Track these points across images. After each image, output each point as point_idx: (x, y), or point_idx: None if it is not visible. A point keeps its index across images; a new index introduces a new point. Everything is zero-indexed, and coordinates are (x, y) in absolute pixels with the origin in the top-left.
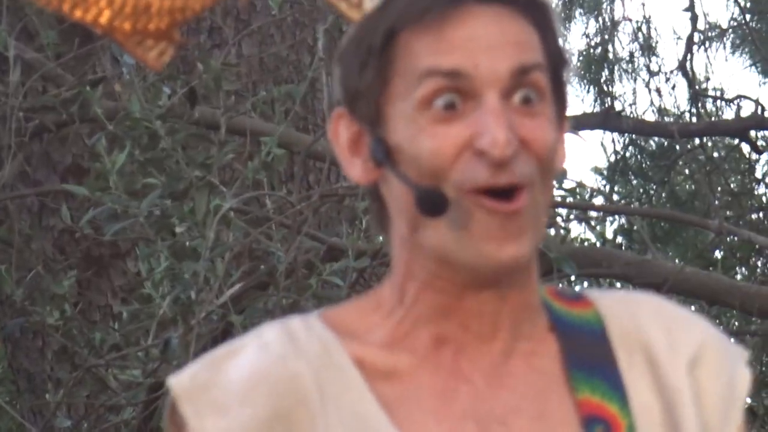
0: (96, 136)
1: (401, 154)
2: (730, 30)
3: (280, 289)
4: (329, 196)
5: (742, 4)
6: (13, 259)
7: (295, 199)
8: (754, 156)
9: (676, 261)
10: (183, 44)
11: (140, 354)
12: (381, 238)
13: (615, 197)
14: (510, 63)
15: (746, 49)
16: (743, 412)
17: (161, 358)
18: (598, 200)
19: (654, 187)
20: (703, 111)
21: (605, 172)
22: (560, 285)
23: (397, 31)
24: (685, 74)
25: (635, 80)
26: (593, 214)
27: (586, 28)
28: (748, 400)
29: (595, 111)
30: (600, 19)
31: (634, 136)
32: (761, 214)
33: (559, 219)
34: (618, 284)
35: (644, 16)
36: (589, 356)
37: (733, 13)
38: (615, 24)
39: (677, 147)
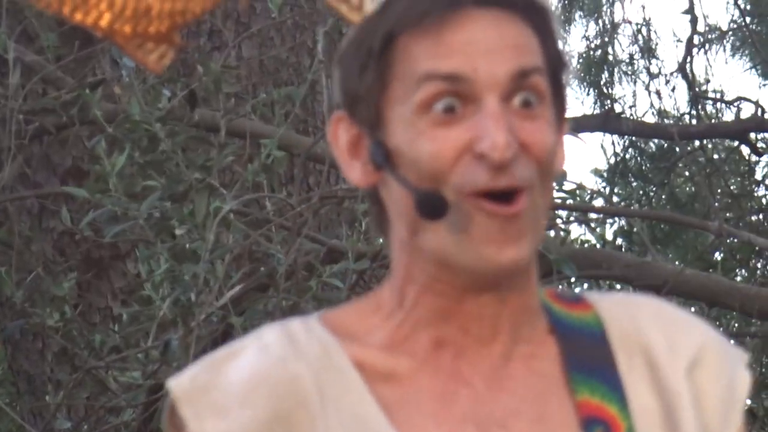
0: (96, 138)
1: (401, 157)
2: (730, 32)
3: (280, 291)
4: (329, 198)
5: (742, 6)
6: (13, 260)
7: (295, 201)
8: (754, 158)
9: (676, 263)
10: (183, 47)
11: (140, 356)
12: (381, 240)
13: (615, 199)
14: (509, 66)
15: (746, 52)
16: (743, 414)
17: (161, 360)
18: (598, 202)
19: (654, 189)
20: (703, 113)
21: (605, 174)
22: (560, 287)
23: (396, 34)
24: (685, 76)
25: (635, 82)
26: (593, 215)
27: (586, 30)
28: (748, 402)
29: (595, 113)
30: (600, 21)
31: (634, 138)
32: (761, 216)
33: (559, 221)
34: (618, 286)
35: (644, 19)
36: (588, 358)
37: (733, 16)
38: (615, 26)
39: (677, 149)
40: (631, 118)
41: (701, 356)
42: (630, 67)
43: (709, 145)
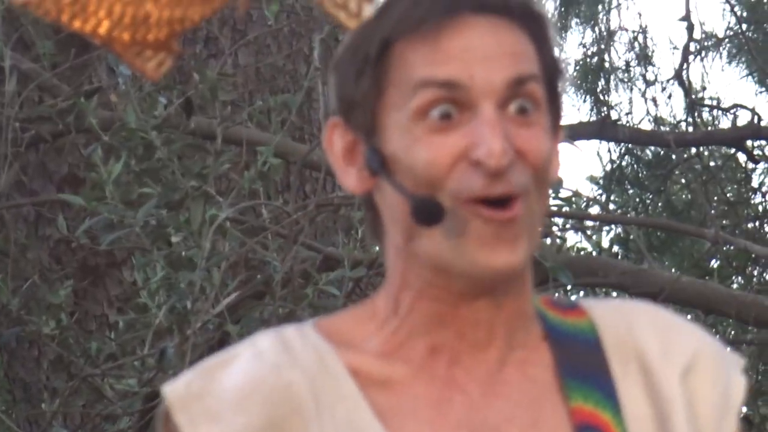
0: (92, 146)
1: (397, 163)
2: (727, 39)
3: (276, 298)
4: (325, 206)
5: (739, 13)
6: (9, 268)
7: (291, 209)
8: (751, 165)
9: (673, 270)
10: (180, 54)
11: (136, 363)
12: (377, 248)
13: (611, 206)
14: (506, 74)
15: (742, 59)
16: (738, 421)
17: (157, 368)
18: (594, 209)
19: (650, 196)
20: (699, 120)
21: (601, 182)
22: (556, 294)
23: (393, 40)
24: (681, 84)
25: (631, 89)
26: (589, 223)
27: (583, 37)
28: (744, 409)
29: (591, 120)
30: (596, 28)
31: (630, 145)
32: (757, 224)
33: (555, 228)
34: (614, 294)
35: (640, 26)
36: (582, 365)
37: (729, 23)
38: (611, 33)
39: (673, 156)
40: (628, 125)
41: (696, 362)
42: (626, 75)
43: (706, 153)
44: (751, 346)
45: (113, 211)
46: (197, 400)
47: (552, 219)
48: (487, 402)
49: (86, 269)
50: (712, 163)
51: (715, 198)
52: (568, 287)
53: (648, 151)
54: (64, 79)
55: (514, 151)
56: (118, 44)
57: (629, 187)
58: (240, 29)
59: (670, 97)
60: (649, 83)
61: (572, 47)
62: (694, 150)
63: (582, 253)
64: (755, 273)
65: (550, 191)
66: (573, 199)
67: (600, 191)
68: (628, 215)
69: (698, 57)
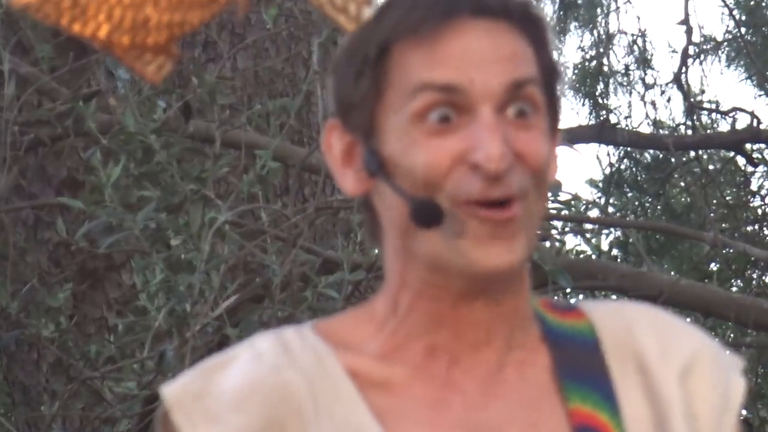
0: (91, 150)
1: (395, 165)
2: (725, 43)
3: (276, 301)
4: (324, 209)
5: (737, 17)
6: (8, 272)
7: (290, 212)
8: (750, 168)
9: (672, 273)
10: (180, 58)
11: (135, 366)
12: (376, 251)
13: (610, 210)
14: (504, 78)
15: (741, 62)
16: (738, 422)
17: (156, 371)
18: (594, 213)
19: (649, 199)
20: (698, 124)
21: (600, 185)
22: (555, 297)
23: (392, 43)
24: (680, 87)
25: (630, 93)
26: (588, 226)
27: (581, 41)
28: (744, 412)
29: (590, 124)
30: (595, 32)
31: (629, 148)
32: (756, 227)
33: (554, 231)
34: (613, 297)
35: (639, 30)
36: (581, 366)
37: (728, 26)
38: (610, 37)
39: (672, 159)
40: (627, 128)
41: (694, 363)
42: (625, 78)
43: (705, 156)
44: (750, 349)
45: (112, 215)
46: (196, 401)
47: (551, 222)
48: (485, 403)
49: (85, 272)
50: (711, 167)
51: (714, 201)
52: (568, 290)
53: (647, 155)
54: (63, 82)
55: (513, 155)
56: (117, 48)
57: (628, 190)
58: (239, 33)
59: (669, 100)
60: (648, 86)
61: (571, 51)
62: (693, 153)
63: (581, 256)
64: (754, 276)
65: (550, 194)
66: (572, 202)
67: (599, 194)
68: (628, 218)
69: (697, 60)
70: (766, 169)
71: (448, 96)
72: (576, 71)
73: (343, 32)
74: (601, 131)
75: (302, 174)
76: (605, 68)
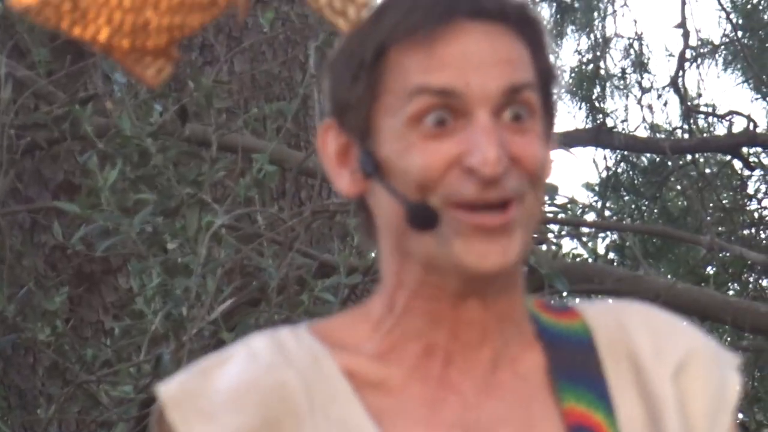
0: (87, 153)
1: (391, 168)
2: (722, 46)
3: (272, 305)
4: (321, 213)
5: (734, 20)
6: (4, 275)
7: (286, 216)
8: (746, 172)
9: (668, 277)
10: (179, 61)
11: (132, 370)
12: (373, 254)
13: (607, 213)
14: (501, 82)
15: (738, 66)
16: (734, 418)
17: (153, 374)
18: (590, 216)
19: (646, 203)
20: (695, 127)
21: (597, 188)
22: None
23: (388, 46)
24: (677, 90)
25: (627, 96)
26: (585, 230)
27: (578, 44)
28: (740, 415)
29: (586, 127)
30: (592, 35)
31: (626, 152)
32: (753, 230)
33: (550, 235)
34: (610, 300)
35: (636, 33)
36: (575, 366)
37: (725, 30)
38: (607, 41)
39: (669, 163)
40: (623, 132)
41: (688, 361)
42: (622, 81)
43: (701, 159)
44: (746, 353)
45: (109, 218)
46: (191, 400)
47: (548, 226)
48: (480, 402)
49: (82, 276)
50: (707, 170)
51: (711, 205)
52: (564, 294)
53: (644, 158)
54: (59, 86)
55: (509, 158)
56: (117, 51)
57: (625, 193)
58: (235, 37)
59: (665, 104)
60: (644, 90)
61: (568, 54)
62: (689, 157)
63: (578, 259)
64: (751, 279)
65: (546, 198)
66: (569, 206)
67: (596, 198)
68: (624, 222)
69: (694, 64)
70: (762, 172)
71: (445, 100)
72: (573, 75)
73: (341, 36)
74: (598, 135)
75: (299, 177)
76: (602, 72)
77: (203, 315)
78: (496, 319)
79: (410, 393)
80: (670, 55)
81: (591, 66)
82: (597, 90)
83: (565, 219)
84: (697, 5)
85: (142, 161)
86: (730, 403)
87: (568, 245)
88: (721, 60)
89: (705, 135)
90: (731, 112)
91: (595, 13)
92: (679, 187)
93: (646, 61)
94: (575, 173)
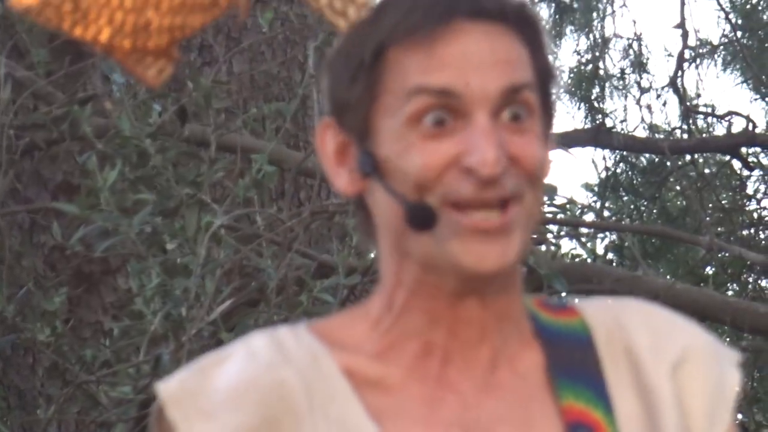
0: (87, 154)
1: (389, 168)
2: (721, 47)
3: (271, 306)
4: (320, 213)
5: (734, 20)
6: (3, 275)
7: (285, 216)
8: (745, 172)
9: (667, 277)
10: (180, 62)
11: (131, 370)
12: (371, 255)
13: (606, 213)
14: (500, 83)
15: (737, 66)
16: (734, 414)
17: (152, 375)
18: (589, 216)
19: (645, 203)
20: (694, 127)
21: (596, 189)
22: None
23: (387, 46)
24: (676, 91)
25: (626, 97)
26: (584, 230)
27: (577, 45)
28: (740, 416)
29: (586, 128)
30: (591, 36)
31: (625, 152)
32: (752, 231)
33: (549, 235)
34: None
35: (635, 33)
36: (573, 364)
37: (724, 30)
38: (606, 41)
39: (668, 163)
40: (622, 132)
41: (686, 357)
42: (621, 82)
43: (700, 160)
44: (745, 353)
45: (108, 219)
46: (191, 398)
47: (547, 226)
48: (479, 401)
49: (81, 276)
50: (706, 170)
51: (710, 205)
52: (563, 294)
53: (643, 159)
54: (58, 86)
55: (508, 158)
56: (118, 51)
57: (624, 194)
58: (234, 37)
59: (664, 104)
60: (643, 90)
61: (567, 54)
62: (688, 157)
63: (577, 260)
64: (750, 280)
65: (545, 199)
66: (568, 206)
67: (595, 198)
68: (623, 222)
69: (693, 64)
70: (761, 172)
71: (444, 100)
72: (572, 75)
73: (340, 35)
74: (597, 135)
75: (298, 178)
76: (601, 72)
77: (202, 315)
78: (495, 318)
79: (409, 392)
80: (669, 55)
81: (590, 66)
82: (596, 90)
83: (564, 219)
84: (696, 5)
85: (141, 162)
86: (730, 400)
87: (567, 245)
88: (720, 60)
89: (704, 135)
90: (730, 113)
91: (594, 14)
92: (678, 188)
93: (645, 61)
94: (574, 173)
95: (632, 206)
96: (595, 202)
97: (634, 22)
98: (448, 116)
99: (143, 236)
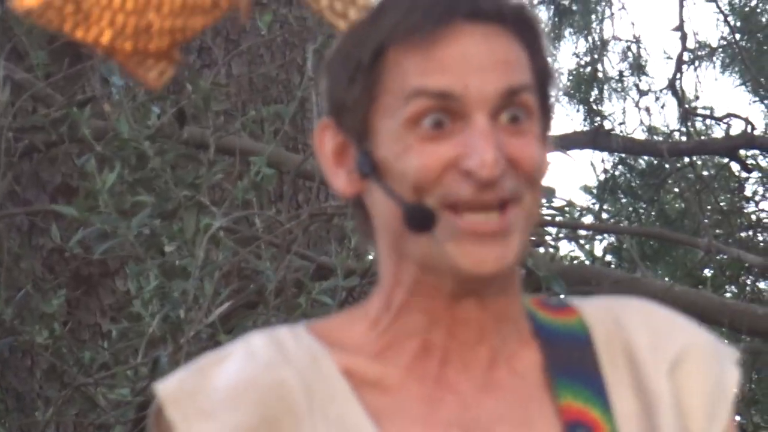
0: (85, 156)
1: (388, 169)
2: (720, 49)
3: (270, 308)
4: (318, 215)
5: (732, 23)
6: (2, 278)
7: (284, 219)
8: (744, 174)
9: (666, 279)
10: (181, 64)
11: (129, 373)
12: (370, 257)
13: (604, 216)
14: (499, 85)
15: (736, 68)
16: (733, 412)
17: (150, 377)
18: (588, 219)
19: (643, 205)
20: (692, 130)
21: (595, 191)
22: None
23: (386, 47)
24: (674, 93)
25: (625, 99)
26: (582, 232)
27: (576, 47)
28: (738, 418)
29: (584, 130)
30: (589, 38)
31: (623, 154)
32: (750, 233)
33: (548, 238)
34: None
35: (634, 36)
36: (572, 363)
37: (722, 33)
38: (604, 43)
39: (667, 166)
40: (621, 134)
41: (685, 355)
42: (620, 84)
43: (699, 162)
44: (743, 355)
45: (106, 221)
46: (190, 398)
47: (545, 228)
48: (478, 401)
49: (79, 279)
50: (705, 173)
51: (709, 207)
52: (561, 296)
53: (641, 161)
54: (57, 89)
55: (506, 160)
56: (120, 54)
57: (623, 196)
58: (233, 39)
59: (663, 106)
60: (642, 93)
61: (566, 57)
62: (687, 159)
63: (575, 262)
64: (748, 282)
65: (544, 201)
66: (566, 208)
67: (593, 200)
68: (622, 224)
69: (692, 66)
70: (760, 175)
71: (442, 102)
72: (570, 77)
73: (339, 35)
74: (596, 137)
75: (296, 180)
76: (600, 74)
77: (201, 318)
78: (494, 318)
79: (408, 392)
80: (668, 57)
81: (589, 69)
82: (595, 92)
83: (563, 221)
84: (695, 8)
85: (140, 164)
86: (729, 398)
87: (566, 248)
88: (718, 62)
89: (703, 137)
90: (729, 115)
91: (593, 16)
92: (676, 190)
93: (643, 63)
94: (573, 176)
95: (631, 208)
96: (593, 204)
97: (633, 25)
98: (447, 118)
99: (142, 238)
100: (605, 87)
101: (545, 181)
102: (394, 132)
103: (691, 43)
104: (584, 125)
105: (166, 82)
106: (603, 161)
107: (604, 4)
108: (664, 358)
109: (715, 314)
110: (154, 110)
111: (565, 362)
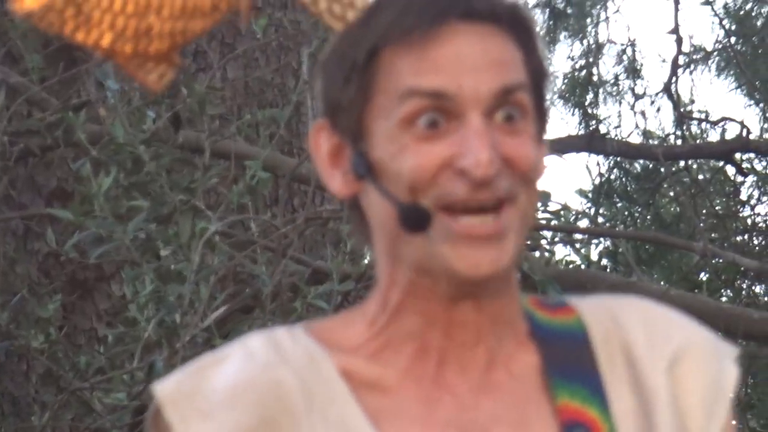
0: (81, 160)
1: (383, 170)
2: (715, 53)
3: (265, 312)
4: (314, 220)
5: (727, 26)
6: None
7: (279, 223)
8: (739, 178)
9: (661, 283)
10: (181, 66)
11: (125, 377)
12: (366, 261)
13: (600, 220)
14: (493, 84)
15: (731, 72)
16: (731, 410)
17: (146, 381)
18: (583, 223)
19: (639, 209)
20: (688, 133)
21: (590, 195)
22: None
23: (381, 47)
24: (670, 97)
25: (620, 103)
26: (578, 236)
27: (571, 50)
28: (734, 422)
29: (579, 134)
30: (585, 41)
31: (618, 158)
32: (746, 237)
33: (543, 242)
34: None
35: (629, 39)
36: (569, 362)
37: (718, 36)
38: (600, 47)
39: (662, 169)
40: (616, 138)
41: (682, 354)
42: (615, 88)
43: (694, 166)
44: (739, 360)
45: (102, 225)
46: (188, 399)
47: (541, 232)
48: (476, 402)
49: (75, 283)
50: (700, 177)
51: (704, 211)
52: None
53: (637, 165)
54: (52, 93)
55: (501, 160)
56: (120, 56)
57: (618, 200)
58: (228, 43)
59: (658, 110)
60: (637, 96)
61: (561, 60)
62: (682, 163)
63: (571, 266)
64: (744, 286)
65: (539, 205)
66: (562, 212)
67: (589, 204)
68: (617, 228)
69: (687, 70)
70: (755, 178)
71: (437, 102)
72: (565, 81)
73: (333, 35)
74: (591, 141)
75: (292, 184)
76: (595, 78)
77: (196, 322)
78: (490, 320)
79: (406, 393)
80: (663, 61)
81: (584, 72)
82: (590, 96)
83: (558, 225)
84: (691, 11)
85: (136, 168)
86: (727, 395)
87: (561, 252)
88: (714, 66)
89: (698, 141)
90: (724, 119)
91: (588, 19)
92: (672, 194)
93: (639, 67)
94: (568, 180)
95: (626, 212)
96: (589, 208)
97: (628, 28)
98: (442, 118)
99: (137, 243)
100: (600, 90)
101: (540, 185)
102: (389, 132)
103: (686, 47)
104: (579, 129)
105: (166, 84)
106: (598, 165)
107: (599, 7)
108: (662, 355)
109: (710, 318)
110: (149, 114)
111: (562, 362)
